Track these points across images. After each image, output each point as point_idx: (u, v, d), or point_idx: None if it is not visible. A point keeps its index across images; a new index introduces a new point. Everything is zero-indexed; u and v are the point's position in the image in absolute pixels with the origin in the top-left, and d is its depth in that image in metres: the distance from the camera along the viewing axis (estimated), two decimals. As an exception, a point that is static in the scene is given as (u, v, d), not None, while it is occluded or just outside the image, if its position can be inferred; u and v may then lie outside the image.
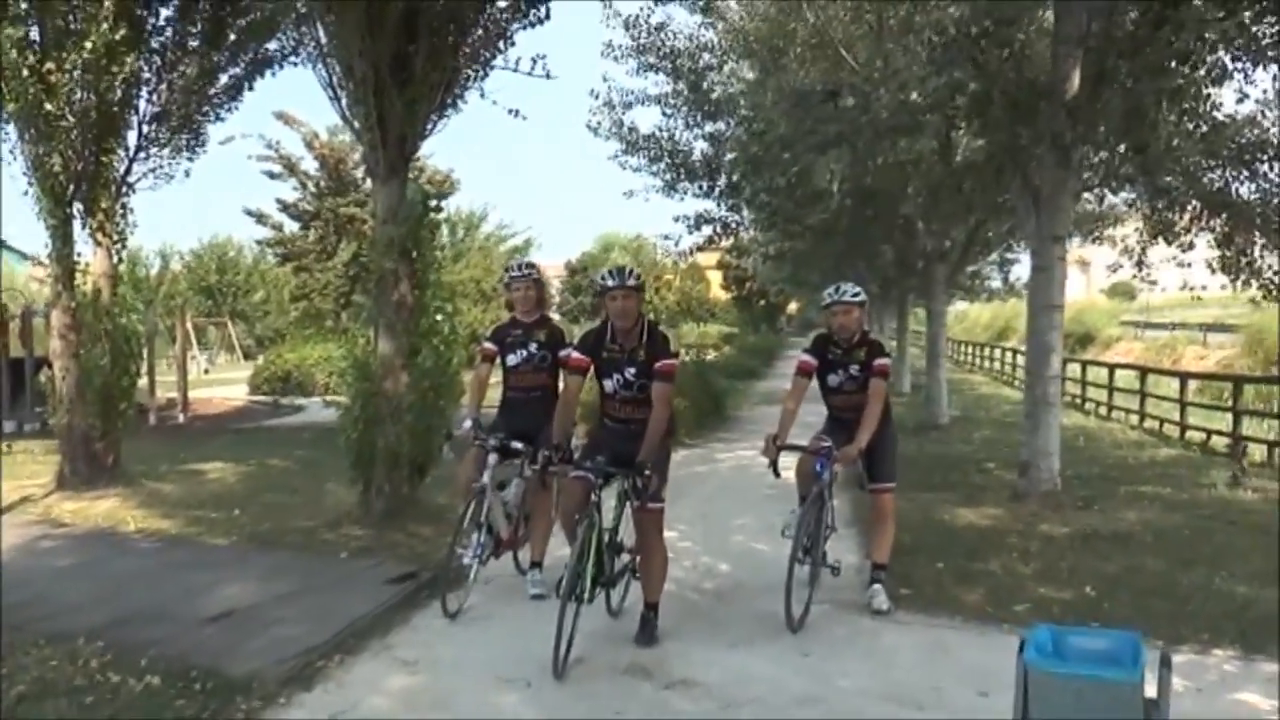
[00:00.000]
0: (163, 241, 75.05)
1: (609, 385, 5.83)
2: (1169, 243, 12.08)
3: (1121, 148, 9.72)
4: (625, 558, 6.02)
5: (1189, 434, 16.74)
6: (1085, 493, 10.43)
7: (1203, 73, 8.97)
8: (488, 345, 7.04)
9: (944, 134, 9.09)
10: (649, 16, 18.51)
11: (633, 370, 5.72)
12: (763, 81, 19.00)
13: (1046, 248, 9.93)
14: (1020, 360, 33.31)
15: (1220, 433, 15.67)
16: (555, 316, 7.48)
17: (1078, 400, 23.68)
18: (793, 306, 74.08)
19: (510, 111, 9.38)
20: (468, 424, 6.68)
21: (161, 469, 12.33)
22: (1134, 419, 19.57)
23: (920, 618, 6.35)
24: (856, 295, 6.39)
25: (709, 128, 20.41)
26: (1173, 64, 8.46)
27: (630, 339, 5.71)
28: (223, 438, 17.97)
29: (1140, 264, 12.80)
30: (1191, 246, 12.27)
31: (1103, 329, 48.09)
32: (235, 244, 59.25)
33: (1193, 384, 21.11)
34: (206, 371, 42.05)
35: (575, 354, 5.88)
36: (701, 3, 18.10)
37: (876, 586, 6.53)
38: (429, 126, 8.86)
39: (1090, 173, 10.57)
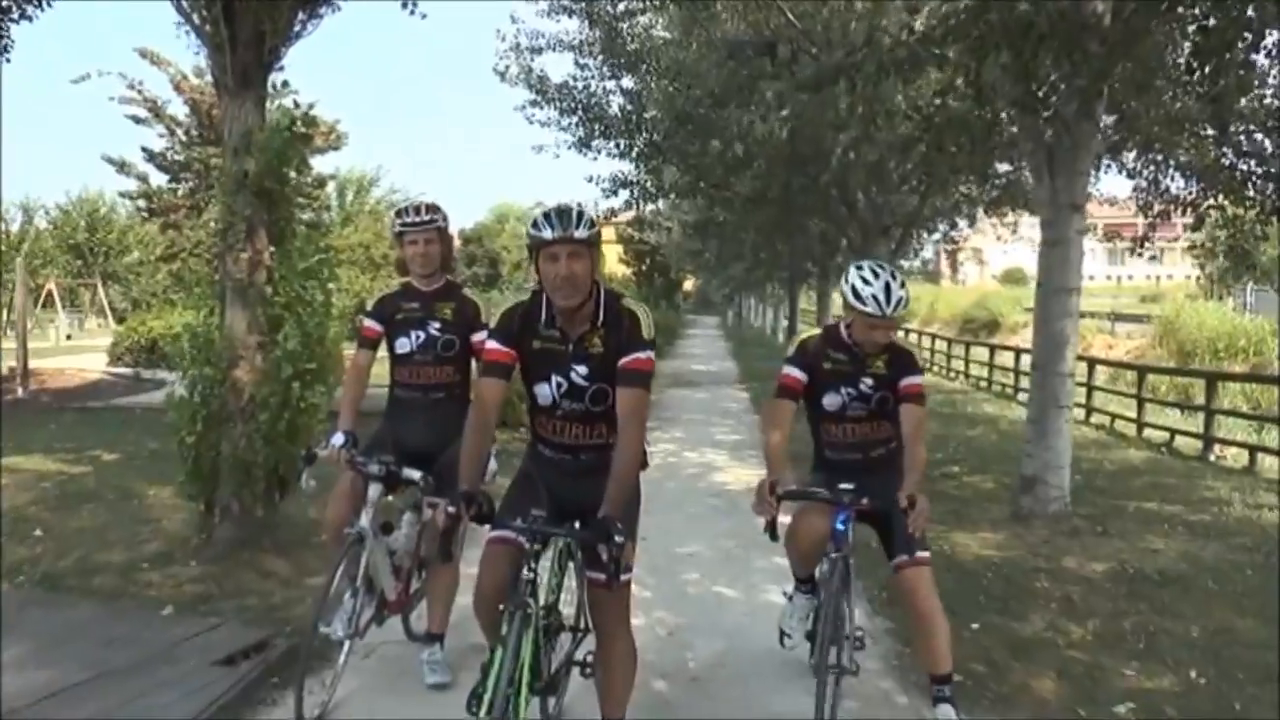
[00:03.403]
0: (25, 194, 70.23)
1: (544, 393, 3.73)
2: (1197, 217, 10.48)
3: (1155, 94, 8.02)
4: (565, 640, 4.01)
5: (1146, 432, 15.48)
6: (1087, 510, 8.79)
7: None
8: (368, 323, 4.88)
9: (973, 69, 7.19)
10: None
11: (583, 369, 3.65)
12: (689, 31, 17.21)
13: (1063, 218, 8.19)
14: (939, 345, 32.68)
15: (1188, 433, 14.40)
16: None
17: (1009, 390, 22.35)
18: (689, 284, 72.84)
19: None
20: (338, 439, 4.58)
21: (-42, 465, 9.86)
22: (1079, 413, 18.26)
23: (994, 727, 4.49)
24: (905, 302, 4.16)
25: (626, 81, 18.64)
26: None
27: (578, 321, 3.63)
28: (64, 418, 15.43)
29: (1144, 240, 11.25)
30: (1199, 226, 10.77)
31: (1007, 315, 47.70)
32: (107, 200, 55.18)
33: (1109, 373, 20.32)
34: (69, 338, 38.75)
35: (492, 343, 3.70)
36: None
37: (947, 708, 4.40)
38: (296, 27, 6.59)
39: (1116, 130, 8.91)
